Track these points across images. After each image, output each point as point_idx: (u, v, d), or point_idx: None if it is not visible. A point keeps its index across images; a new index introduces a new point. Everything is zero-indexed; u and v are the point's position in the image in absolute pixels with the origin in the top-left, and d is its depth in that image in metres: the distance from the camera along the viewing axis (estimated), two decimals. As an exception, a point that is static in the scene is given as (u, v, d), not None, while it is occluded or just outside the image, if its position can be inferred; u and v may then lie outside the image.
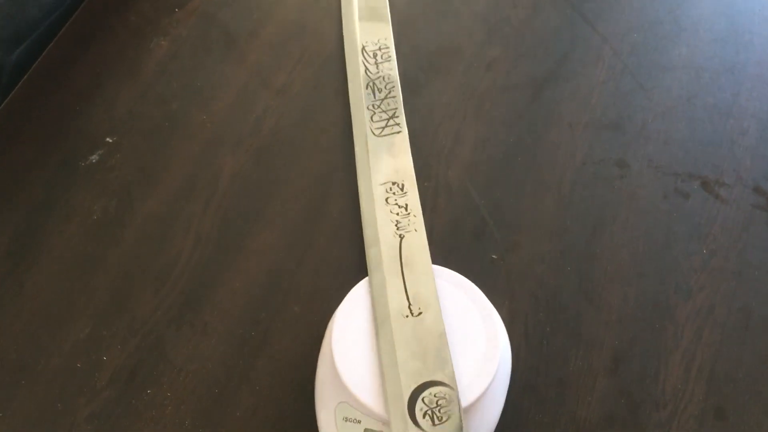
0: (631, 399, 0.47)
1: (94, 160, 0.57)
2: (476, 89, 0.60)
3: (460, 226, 0.54)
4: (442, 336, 0.44)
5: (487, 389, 0.44)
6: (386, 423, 0.44)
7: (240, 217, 0.55)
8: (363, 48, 0.61)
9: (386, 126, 0.55)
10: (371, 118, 0.55)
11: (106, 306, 0.51)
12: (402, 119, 0.56)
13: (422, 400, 0.42)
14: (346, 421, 0.45)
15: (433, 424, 0.41)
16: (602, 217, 0.54)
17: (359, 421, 0.44)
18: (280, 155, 0.58)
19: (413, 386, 0.42)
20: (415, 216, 0.50)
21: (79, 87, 0.61)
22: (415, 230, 0.49)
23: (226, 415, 0.47)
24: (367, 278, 0.48)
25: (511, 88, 0.60)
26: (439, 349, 0.44)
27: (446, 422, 0.41)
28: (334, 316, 0.47)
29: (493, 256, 0.52)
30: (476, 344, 0.45)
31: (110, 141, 0.58)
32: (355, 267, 0.51)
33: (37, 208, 0.55)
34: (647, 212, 0.54)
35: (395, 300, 0.46)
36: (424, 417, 0.41)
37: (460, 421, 0.41)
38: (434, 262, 0.47)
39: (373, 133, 0.55)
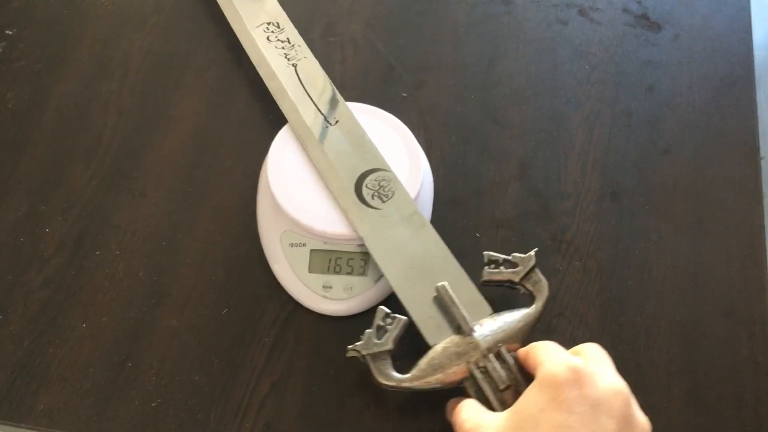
0: (539, 196, 0.53)
1: (-3, 53, 0.57)
2: (366, -49, 0.64)
3: (370, 73, 0.58)
4: (364, 134, 0.50)
5: (414, 200, 0.49)
6: (330, 240, 0.48)
7: (158, 89, 0.56)
8: None
9: None
10: None
11: (39, 184, 0.52)
12: None
13: (366, 186, 0.47)
14: (292, 246, 0.49)
15: (383, 201, 0.47)
16: (496, 50, 0.59)
17: (304, 244, 0.49)
18: (186, 29, 0.59)
19: (354, 178, 0.48)
20: (299, 46, 0.55)
21: (-35, -16, 0.60)
22: (305, 57, 0.54)
23: (177, 262, 0.50)
24: (289, 122, 0.51)
25: (398, -54, 0.64)
26: (365, 144, 0.50)
27: (393, 197, 0.47)
28: (266, 157, 0.50)
29: (404, 95, 0.57)
30: (400, 164, 0.50)
31: (10, 33, 0.58)
32: (277, 118, 0.54)
33: (-54, 103, 0.54)
34: (534, 41, 0.59)
35: (310, 116, 0.50)
36: (373, 198, 0.47)
37: (406, 192, 0.47)
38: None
39: None
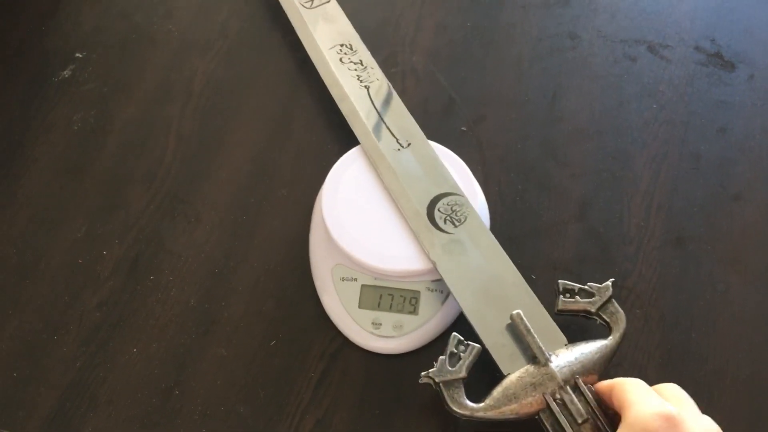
0: (600, 239, 0.51)
1: (66, 75, 0.58)
2: (430, -19, 0.63)
3: (430, 104, 0.57)
4: (436, 158, 0.50)
5: (470, 239, 0.48)
6: (382, 276, 0.47)
7: (218, 115, 0.57)
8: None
9: None
10: None
11: (98, 206, 0.53)
12: None
13: (438, 210, 0.47)
14: (343, 280, 0.48)
15: (455, 225, 0.47)
16: (559, 85, 0.58)
17: (355, 279, 0.48)
18: (249, 56, 0.60)
19: (426, 202, 0.48)
20: (372, 68, 0.54)
21: (41, 9, 0.62)
22: (378, 79, 0.54)
23: (228, 291, 0.50)
24: (346, 154, 0.51)
25: (464, -23, 0.63)
26: (437, 167, 0.50)
27: (466, 222, 0.47)
28: (321, 189, 0.50)
29: (463, 129, 0.56)
30: (456, 200, 0.49)
31: (80, 56, 0.59)
32: (334, 149, 0.54)
33: (14, 122, 0.56)
34: (600, 77, 0.58)
35: (382, 138, 0.50)
36: (445, 223, 0.47)
37: (478, 217, 0.47)
38: (410, 130, 0.50)
39: (304, 7, 0.58)
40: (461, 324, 0.47)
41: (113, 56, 0.60)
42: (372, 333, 0.47)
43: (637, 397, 0.38)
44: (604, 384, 0.41)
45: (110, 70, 0.59)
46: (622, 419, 0.38)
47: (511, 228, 0.52)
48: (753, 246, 0.50)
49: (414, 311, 0.47)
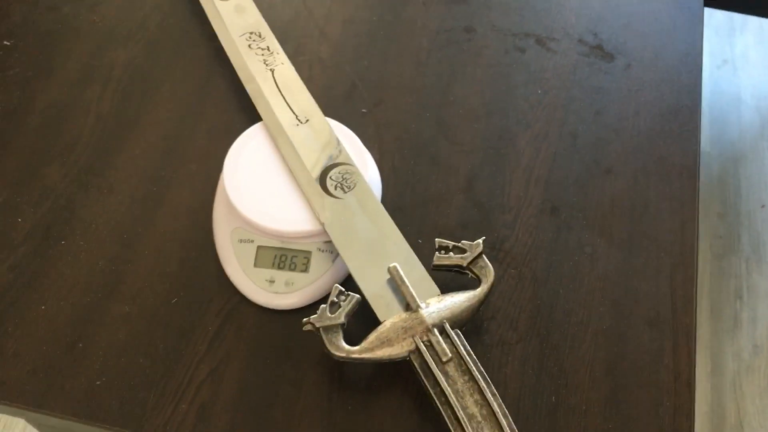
0: (482, 208, 0.56)
1: (-7, 61, 0.62)
2: (342, -19, 0.68)
3: (333, 90, 0.62)
4: (331, 132, 0.55)
5: (360, 206, 0.52)
6: (277, 237, 0.51)
7: (135, 98, 0.61)
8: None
9: None
10: None
11: (17, 178, 0.56)
12: None
13: (330, 177, 0.52)
14: (240, 242, 0.52)
15: (345, 192, 0.52)
16: (454, 73, 0.63)
17: (252, 241, 0.52)
18: (167, 45, 0.64)
19: (319, 171, 0.52)
20: (278, 53, 0.59)
21: (-28, 0, 0.65)
22: (282, 63, 0.58)
23: (135, 254, 0.53)
24: (249, 129, 0.55)
25: (373, -22, 0.68)
26: (332, 140, 0.54)
27: (355, 188, 0.52)
28: (225, 159, 0.54)
29: (363, 111, 0.60)
30: (348, 170, 0.53)
31: (8, 44, 0.63)
32: (242, 127, 0.58)
33: (-58, 103, 0.59)
34: (491, 66, 0.63)
35: (283, 115, 0.55)
36: (336, 189, 0.52)
37: (367, 184, 0.51)
38: (307, 107, 0.55)
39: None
40: (350, 282, 0.51)
41: (39, 45, 0.63)
42: (266, 290, 0.51)
43: None
44: None
45: (35, 57, 0.63)
46: None
47: (402, 198, 0.56)
48: (619, 214, 0.55)
49: (306, 269, 0.51)
